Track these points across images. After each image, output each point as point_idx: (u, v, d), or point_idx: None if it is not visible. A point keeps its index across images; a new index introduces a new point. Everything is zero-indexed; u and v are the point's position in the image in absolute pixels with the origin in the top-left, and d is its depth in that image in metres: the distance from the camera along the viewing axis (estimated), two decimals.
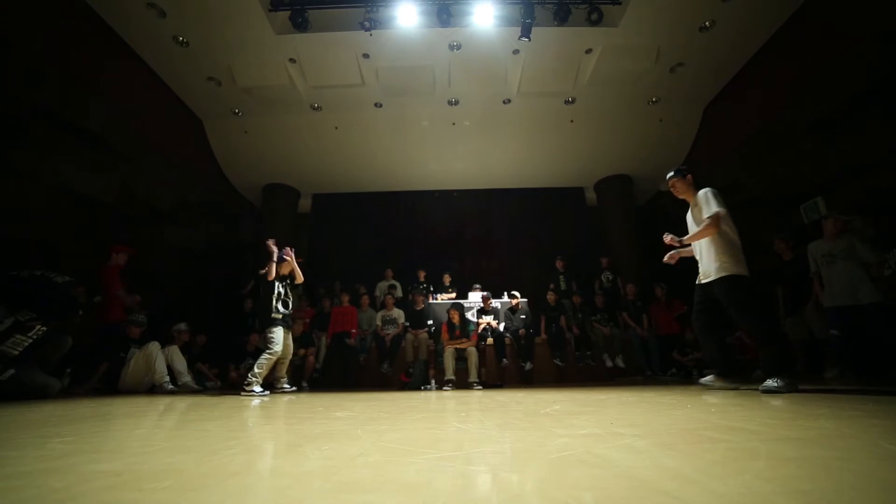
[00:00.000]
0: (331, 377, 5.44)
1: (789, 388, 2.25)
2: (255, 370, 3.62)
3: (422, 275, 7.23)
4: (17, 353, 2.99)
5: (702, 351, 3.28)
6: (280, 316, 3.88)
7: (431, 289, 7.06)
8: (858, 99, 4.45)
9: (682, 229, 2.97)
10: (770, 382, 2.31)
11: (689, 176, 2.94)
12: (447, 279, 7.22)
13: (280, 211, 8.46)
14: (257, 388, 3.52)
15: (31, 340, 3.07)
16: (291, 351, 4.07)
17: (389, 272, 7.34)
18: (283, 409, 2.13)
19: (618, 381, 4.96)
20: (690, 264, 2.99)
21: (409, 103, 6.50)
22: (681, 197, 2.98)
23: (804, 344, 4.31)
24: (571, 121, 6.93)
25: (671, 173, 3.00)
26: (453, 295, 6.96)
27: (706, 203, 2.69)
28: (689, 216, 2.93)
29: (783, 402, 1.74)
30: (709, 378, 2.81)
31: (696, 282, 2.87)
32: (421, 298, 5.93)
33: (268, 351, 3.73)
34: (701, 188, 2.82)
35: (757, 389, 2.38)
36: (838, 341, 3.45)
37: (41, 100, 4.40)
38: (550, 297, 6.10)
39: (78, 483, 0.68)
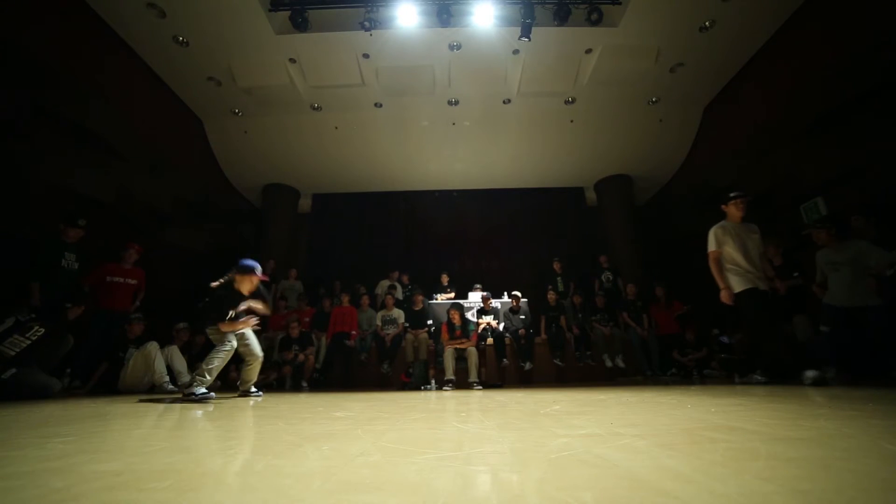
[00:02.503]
0: (331, 377, 5.44)
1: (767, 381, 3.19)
2: (205, 367, 2.91)
3: (394, 276, 7.16)
4: (14, 353, 2.99)
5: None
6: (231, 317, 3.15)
7: (403, 283, 7.06)
8: (858, 99, 4.45)
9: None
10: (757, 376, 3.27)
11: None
12: (445, 279, 7.22)
13: (280, 211, 8.46)
14: (201, 390, 2.81)
15: (29, 341, 3.07)
16: (260, 351, 3.43)
17: (396, 273, 7.25)
18: (282, 409, 2.13)
19: (618, 381, 4.96)
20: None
21: (409, 103, 6.50)
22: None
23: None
24: (571, 121, 6.93)
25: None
26: (451, 295, 6.95)
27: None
28: (744, 240, 3.48)
29: (783, 402, 1.74)
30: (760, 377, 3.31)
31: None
32: (420, 298, 5.94)
33: (222, 347, 3.01)
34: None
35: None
36: (827, 337, 3.47)
37: (41, 100, 4.40)
38: (551, 297, 6.10)
39: (78, 483, 0.68)
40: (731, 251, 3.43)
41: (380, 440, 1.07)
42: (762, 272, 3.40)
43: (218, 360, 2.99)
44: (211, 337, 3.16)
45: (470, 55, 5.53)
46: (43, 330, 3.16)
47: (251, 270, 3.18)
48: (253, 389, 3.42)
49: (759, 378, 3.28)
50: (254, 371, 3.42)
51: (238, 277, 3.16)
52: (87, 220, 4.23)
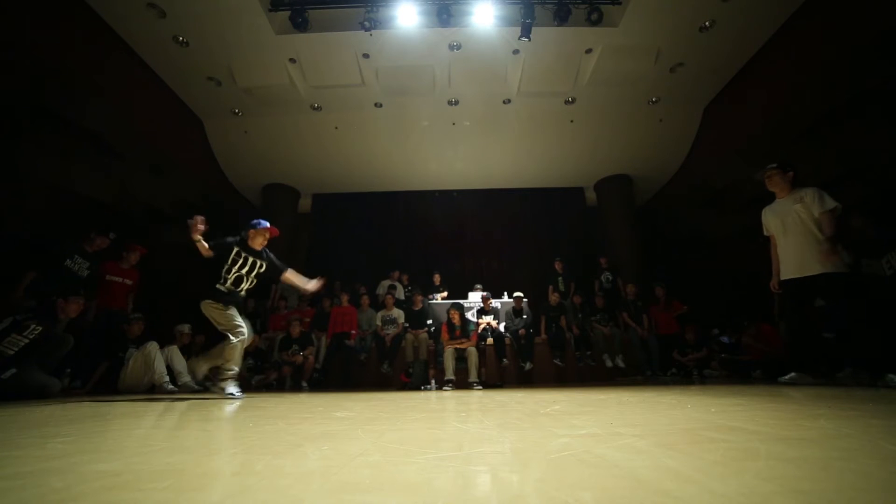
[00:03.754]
0: (331, 377, 5.45)
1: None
2: (225, 364, 2.95)
3: (394, 276, 7.20)
4: (12, 352, 3.00)
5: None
6: (227, 291, 3.08)
7: (403, 283, 7.08)
8: (859, 99, 4.45)
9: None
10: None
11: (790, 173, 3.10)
12: (437, 278, 7.24)
13: (280, 211, 8.45)
14: (235, 389, 2.93)
15: (27, 340, 3.08)
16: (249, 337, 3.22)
17: (396, 273, 7.29)
18: (282, 409, 2.13)
19: (618, 381, 4.96)
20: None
21: (409, 103, 6.50)
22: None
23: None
24: (571, 121, 6.94)
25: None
26: (445, 294, 6.97)
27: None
28: (783, 218, 3.04)
29: (783, 402, 1.74)
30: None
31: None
32: (420, 298, 5.94)
33: (231, 334, 2.97)
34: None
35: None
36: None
37: (41, 100, 4.40)
38: (554, 297, 6.10)
39: (78, 483, 0.68)
40: (774, 234, 3.08)
41: (380, 440, 1.07)
42: (820, 248, 2.78)
43: (237, 354, 3.04)
44: (214, 316, 3.05)
45: (470, 55, 5.53)
46: (40, 328, 3.16)
47: (262, 224, 3.20)
48: (234, 391, 2.96)
49: None
50: (234, 354, 3.08)
51: (252, 233, 3.16)
52: (118, 235, 4.42)
